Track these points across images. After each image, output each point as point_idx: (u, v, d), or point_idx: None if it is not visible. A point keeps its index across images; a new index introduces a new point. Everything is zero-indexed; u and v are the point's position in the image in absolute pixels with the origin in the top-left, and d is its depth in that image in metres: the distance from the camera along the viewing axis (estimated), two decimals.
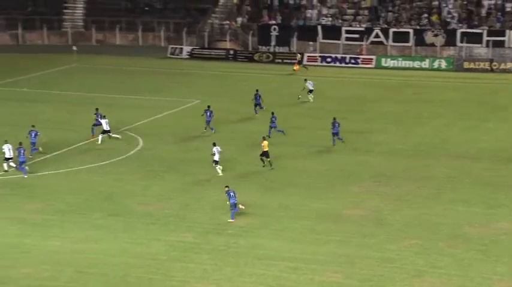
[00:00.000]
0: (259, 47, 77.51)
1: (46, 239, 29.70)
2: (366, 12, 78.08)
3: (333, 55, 74.23)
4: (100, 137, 43.13)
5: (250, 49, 77.86)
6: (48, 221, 31.53)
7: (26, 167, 37.64)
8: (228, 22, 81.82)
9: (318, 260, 28.35)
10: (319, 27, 76.67)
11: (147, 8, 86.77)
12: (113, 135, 43.79)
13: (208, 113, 46.97)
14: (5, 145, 38.07)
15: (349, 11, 78.87)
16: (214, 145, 38.85)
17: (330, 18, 78.36)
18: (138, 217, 32.38)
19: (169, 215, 32.79)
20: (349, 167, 39.93)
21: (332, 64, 73.40)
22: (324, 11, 79.60)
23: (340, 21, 77.98)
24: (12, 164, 37.94)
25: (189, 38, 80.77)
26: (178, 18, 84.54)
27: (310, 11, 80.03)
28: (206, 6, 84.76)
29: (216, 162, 38.44)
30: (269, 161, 39.75)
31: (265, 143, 39.79)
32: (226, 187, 32.88)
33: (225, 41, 79.40)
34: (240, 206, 32.58)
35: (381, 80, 65.80)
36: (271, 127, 45.18)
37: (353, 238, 30.50)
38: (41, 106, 52.64)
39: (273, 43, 77.01)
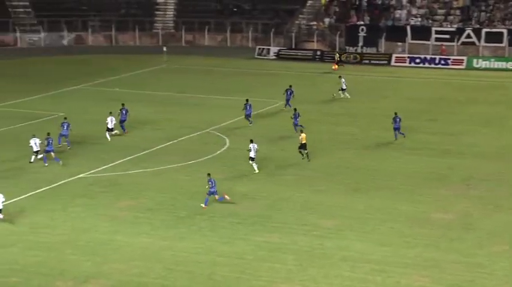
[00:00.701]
0: (347, 47, 76.99)
1: (136, 236, 30.29)
2: (458, 12, 76.46)
3: (422, 56, 73.02)
4: (107, 134, 44.07)
5: (337, 50, 77.44)
6: (138, 219, 32.15)
7: (54, 156, 39.03)
8: (315, 23, 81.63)
9: (405, 263, 27.89)
10: (408, 28, 75.59)
11: (235, 9, 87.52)
12: (112, 133, 44.27)
13: (247, 107, 47.96)
14: (32, 139, 39.11)
15: (440, 11, 77.44)
16: (251, 141, 39.11)
17: (420, 19, 77.12)
18: (224, 216, 32.63)
19: (255, 215, 32.91)
20: (438, 170, 39.16)
21: (421, 65, 72.22)
22: (414, 11, 78.41)
23: (430, 21, 76.61)
24: (39, 156, 39.11)
25: (276, 39, 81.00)
26: (266, 19, 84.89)
27: (399, 11, 78.99)
28: (294, 7, 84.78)
29: (252, 159, 38.67)
30: (306, 153, 40.31)
31: (303, 135, 40.50)
32: (208, 174, 33.75)
33: (312, 41, 79.26)
34: (226, 197, 33.34)
35: (472, 81, 64.29)
36: (295, 124, 45.86)
37: (441, 242, 29.87)
38: (131, 106, 53.68)
39: (360, 44, 76.37)
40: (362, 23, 78.22)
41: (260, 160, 41.00)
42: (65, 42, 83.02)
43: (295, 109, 46.79)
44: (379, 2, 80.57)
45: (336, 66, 68.65)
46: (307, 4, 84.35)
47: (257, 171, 38.47)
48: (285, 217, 32.74)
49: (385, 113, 51.86)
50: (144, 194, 35.19)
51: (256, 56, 77.41)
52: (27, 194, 34.66)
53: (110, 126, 44.02)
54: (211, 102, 54.99)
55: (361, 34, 76.59)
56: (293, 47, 79.48)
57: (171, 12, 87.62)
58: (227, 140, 44.79)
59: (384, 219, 32.34)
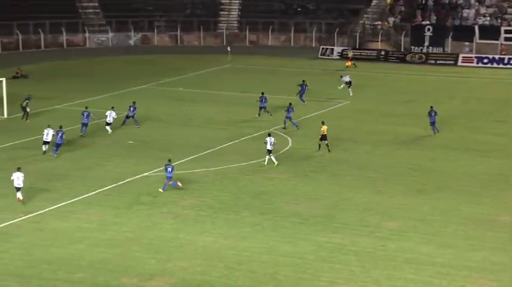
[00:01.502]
0: (412, 47, 76.10)
1: (198, 234, 30.56)
2: None
3: (490, 56, 71.63)
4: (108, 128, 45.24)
5: (402, 50, 76.60)
6: (201, 217, 32.44)
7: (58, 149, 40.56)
8: (380, 22, 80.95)
9: (471, 267, 27.42)
10: (476, 27, 74.24)
11: (299, 9, 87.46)
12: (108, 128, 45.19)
13: (263, 99, 48.95)
14: (46, 129, 40.73)
15: (510, 10, 75.79)
16: (269, 135, 39.61)
17: (488, 18, 75.65)
18: (286, 216, 32.65)
19: (318, 215, 32.83)
20: (507, 171, 38.37)
21: (489, 65, 70.85)
22: (482, 10, 76.98)
23: (499, 20, 75.07)
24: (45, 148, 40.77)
25: (340, 39, 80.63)
26: (331, 18, 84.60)
27: (467, 10, 77.69)
28: (359, 6, 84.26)
29: (269, 151, 39.14)
30: (326, 144, 41.49)
31: (325, 127, 41.67)
32: (168, 160, 35.41)
33: (377, 41, 78.63)
34: (178, 183, 34.94)
35: None
36: (287, 117, 46.68)
37: (509, 245, 29.26)
38: (195, 105, 54.29)
39: (426, 43, 75.39)
40: (428, 22, 77.19)
41: (323, 161, 40.89)
42: (131, 42, 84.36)
43: (290, 103, 47.75)
44: (446, 2, 79.40)
45: (349, 63, 68.68)
46: (372, 4, 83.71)
47: (276, 163, 39.02)
48: (347, 217, 32.57)
49: (452, 114, 51.08)
50: (207, 193, 35.47)
51: (319, 56, 77.20)
52: (94, 192, 35.33)
53: (108, 120, 45.50)
54: (274, 103, 55.07)
55: (427, 34, 75.60)
56: (357, 46, 78.95)
57: (235, 13, 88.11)
58: (290, 140, 44.80)
59: (448, 221, 31.86)
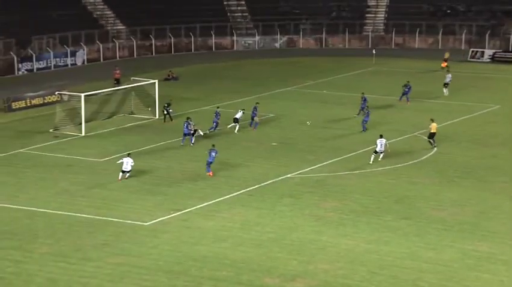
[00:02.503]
0: None
1: (341, 237, 30.41)
2: None
3: None
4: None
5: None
6: (343, 220, 32.26)
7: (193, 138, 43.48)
8: None
9: None
10: None
11: (449, 11, 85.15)
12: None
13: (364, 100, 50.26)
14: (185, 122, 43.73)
15: None
16: (380, 136, 40.60)
17: None
18: (430, 222, 31.87)
19: (463, 222, 31.81)
20: None
21: None
22: None
23: None
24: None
25: (492, 41, 77.82)
26: (482, 20, 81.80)
27: None
28: None
29: (376, 152, 40.18)
30: (429, 141, 42.17)
31: (434, 125, 42.25)
32: (212, 145, 38.27)
33: None
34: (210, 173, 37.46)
35: None
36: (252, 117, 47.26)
37: None
38: (337, 108, 54.09)
39: None
40: None
41: (469, 166, 39.61)
42: (277, 45, 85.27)
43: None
44: None
45: (445, 63, 65.92)
46: None
47: (371, 163, 39.57)
48: (495, 225, 31.34)
49: None
50: (349, 196, 35.25)
51: (469, 59, 74.84)
52: (238, 192, 35.96)
53: (238, 116, 46.72)
54: (418, 106, 53.94)
55: None
56: (510, 49, 75.86)
57: (382, 15, 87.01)
58: (435, 146, 43.66)
59: None
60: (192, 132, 43.66)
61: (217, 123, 46.50)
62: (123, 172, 37.57)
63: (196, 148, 43.24)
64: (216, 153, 38.42)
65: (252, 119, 47.86)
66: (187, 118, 44.10)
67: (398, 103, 54.57)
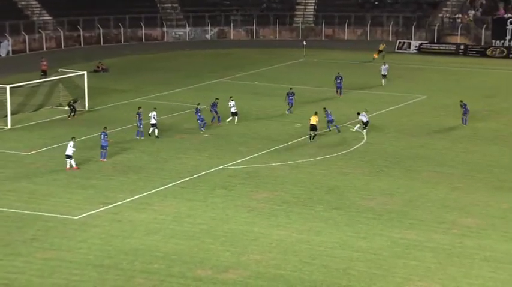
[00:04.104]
0: (493, 41, 74.24)
1: (273, 228, 30.60)
2: None
3: None
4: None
5: (482, 44, 74.84)
6: (275, 211, 32.46)
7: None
8: (460, 16, 79.25)
9: None
10: None
11: (376, 3, 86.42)
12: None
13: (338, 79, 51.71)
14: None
15: None
16: (358, 114, 43.43)
17: None
18: (360, 211, 32.37)
19: (392, 210, 32.43)
20: None
21: None
22: None
23: None
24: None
25: (418, 33, 79.36)
26: (409, 12, 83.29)
27: None
28: None
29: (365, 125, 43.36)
30: (313, 135, 42.39)
31: (314, 117, 42.29)
32: (104, 127, 38.58)
33: (456, 35, 77.02)
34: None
35: None
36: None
37: None
38: (269, 100, 54.34)
39: (508, 37, 73.44)
40: (511, 15, 75.12)
41: (398, 156, 40.37)
42: (208, 36, 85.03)
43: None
44: None
45: (377, 54, 67.76)
46: None
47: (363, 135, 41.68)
48: (423, 214, 32.05)
49: None
50: (281, 187, 35.48)
51: (396, 50, 76.15)
52: (170, 184, 35.79)
53: (152, 122, 43.64)
54: (349, 97, 54.66)
55: (510, 27, 73.61)
56: (435, 40, 77.55)
57: (312, 7, 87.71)
58: (365, 135, 44.34)
59: None
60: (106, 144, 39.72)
61: (202, 119, 44.66)
62: (66, 157, 37.01)
63: (130, 141, 42.80)
64: (105, 135, 38.62)
65: (216, 113, 46.44)
66: (105, 128, 40.23)
67: (329, 95, 55.07)
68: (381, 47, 70.87)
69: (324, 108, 45.64)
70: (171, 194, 34.43)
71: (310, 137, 42.67)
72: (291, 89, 50.60)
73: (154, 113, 43.96)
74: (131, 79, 61.40)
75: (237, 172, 37.81)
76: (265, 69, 66.59)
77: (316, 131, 42.58)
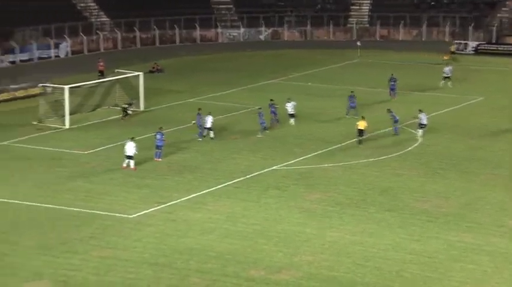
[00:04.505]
0: None
1: (325, 229, 30.52)
2: None
3: None
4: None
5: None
6: (328, 212, 32.37)
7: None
8: None
9: None
10: None
11: (433, 3, 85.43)
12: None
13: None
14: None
15: None
16: (420, 111, 42.76)
17: None
18: (414, 213, 32.05)
19: (448, 213, 32.02)
20: None
21: None
22: None
23: None
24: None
25: (475, 33, 78.16)
26: (465, 12, 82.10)
27: None
28: None
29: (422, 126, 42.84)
30: (360, 140, 41.89)
31: (362, 122, 41.90)
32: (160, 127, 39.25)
33: None
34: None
35: None
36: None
37: None
38: (322, 101, 54.18)
39: None
40: None
41: (454, 158, 39.84)
42: (262, 37, 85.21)
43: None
44: None
45: (447, 56, 66.94)
46: None
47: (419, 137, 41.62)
48: (481, 217, 31.58)
49: None
50: (334, 188, 35.37)
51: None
52: (224, 184, 35.99)
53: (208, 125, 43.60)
54: (404, 98, 54.11)
55: None
56: (493, 41, 76.23)
57: (366, 7, 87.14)
58: (420, 137, 43.83)
59: None
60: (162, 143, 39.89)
61: (264, 122, 44.61)
62: (127, 157, 37.56)
63: (185, 141, 43.20)
64: (161, 136, 38.93)
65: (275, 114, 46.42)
66: (160, 128, 40.83)
67: (383, 96, 54.61)
68: (452, 48, 69.95)
69: (388, 109, 45.20)
70: (225, 194, 34.62)
71: (359, 141, 42.13)
72: (352, 92, 49.98)
73: (211, 117, 43.87)
74: (186, 80, 61.94)
75: (290, 172, 37.82)
76: (319, 70, 66.40)
77: (363, 136, 42.04)
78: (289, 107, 47.22)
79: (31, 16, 71.18)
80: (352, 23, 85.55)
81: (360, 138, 42.16)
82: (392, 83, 54.83)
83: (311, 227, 30.66)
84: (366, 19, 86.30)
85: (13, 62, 68.50)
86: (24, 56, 69.44)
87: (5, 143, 43.10)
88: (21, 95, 54.26)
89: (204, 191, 34.93)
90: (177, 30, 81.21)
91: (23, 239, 29.30)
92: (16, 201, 33.49)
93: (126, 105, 49.30)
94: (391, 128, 44.50)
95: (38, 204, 33.15)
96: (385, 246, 28.73)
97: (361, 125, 42.27)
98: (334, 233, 30.04)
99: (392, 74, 55.37)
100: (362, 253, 28.15)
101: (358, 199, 33.97)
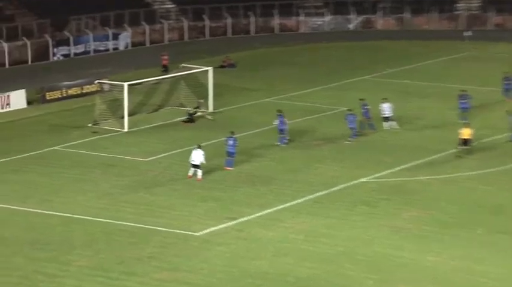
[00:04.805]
0: None
1: (423, 253, 30.36)
2: None
3: None
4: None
5: None
6: (426, 233, 32.20)
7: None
8: None
9: None
10: None
11: None
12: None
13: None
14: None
15: None
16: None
17: None
18: None
19: None
20: None
21: None
22: None
23: None
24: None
25: None
26: None
27: None
28: None
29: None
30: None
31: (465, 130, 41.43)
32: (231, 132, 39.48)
33: None
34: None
35: None
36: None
37: None
38: (420, 101, 53.76)
39: None
40: None
41: None
42: (351, 26, 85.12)
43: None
44: None
45: None
46: None
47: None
48: None
49: None
50: (434, 205, 35.17)
51: None
52: (303, 198, 36.20)
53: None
54: None
55: None
56: None
57: None
58: None
59: None
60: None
61: (355, 127, 44.84)
62: (193, 166, 38.29)
63: (258, 147, 43.59)
64: (234, 141, 39.24)
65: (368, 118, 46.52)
66: (231, 132, 41.30)
67: (496, 97, 53.71)
68: None
69: (508, 111, 44.56)
70: (305, 210, 34.84)
71: (464, 151, 41.65)
72: (463, 91, 49.25)
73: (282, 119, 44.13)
74: (261, 76, 62.39)
75: (381, 185, 37.76)
76: (419, 65, 65.93)
77: (469, 146, 41.53)
78: (386, 108, 47.04)
79: (87, 3, 72.82)
80: (460, 9, 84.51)
81: (465, 147, 41.60)
82: (507, 82, 53.78)
83: (406, 250, 30.58)
84: (478, 4, 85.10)
85: (67, 55, 70.28)
86: (79, 49, 71.03)
87: (56, 147, 44.38)
88: (75, 93, 55.65)
89: (280, 207, 35.22)
90: (252, 19, 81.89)
91: (76, 258, 30.13)
92: (67, 214, 34.47)
93: (193, 111, 49.67)
94: (506, 134, 43.82)
95: (92, 218, 34.04)
96: (496, 275, 28.41)
97: (466, 133, 41.76)
98: (433, 258, 29.89)
99: (507, 72, 54.33)
100: (468, 282, 27.96)
101: (462, 217, 33.69)
